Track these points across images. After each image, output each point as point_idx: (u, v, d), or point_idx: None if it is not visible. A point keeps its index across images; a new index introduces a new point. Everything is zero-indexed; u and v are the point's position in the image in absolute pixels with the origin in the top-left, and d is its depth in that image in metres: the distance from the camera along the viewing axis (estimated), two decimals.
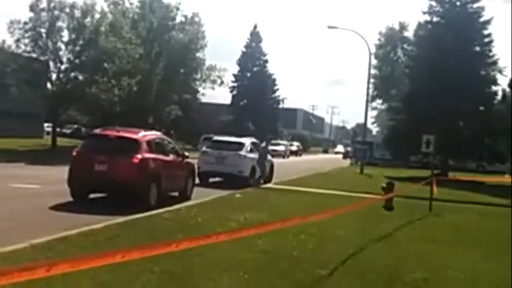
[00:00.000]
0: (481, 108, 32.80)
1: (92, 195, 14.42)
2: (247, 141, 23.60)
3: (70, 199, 13.93)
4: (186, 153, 16.99)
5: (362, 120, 39.39)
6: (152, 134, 15.54)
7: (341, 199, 18.45)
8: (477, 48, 34.62)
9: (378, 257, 8.74)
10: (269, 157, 25.60)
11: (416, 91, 33.16)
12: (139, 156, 13.74)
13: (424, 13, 34.90)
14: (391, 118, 36.84)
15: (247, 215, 12.36)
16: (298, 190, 20.52)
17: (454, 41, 33.10)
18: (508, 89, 41.40)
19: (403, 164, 45.68)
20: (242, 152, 22.30)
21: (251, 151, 23.02)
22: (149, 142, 14.46)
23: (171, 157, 15.69)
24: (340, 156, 76.41)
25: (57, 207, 12.95)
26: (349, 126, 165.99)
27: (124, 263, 4.57)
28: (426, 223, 13.43)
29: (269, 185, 22.48)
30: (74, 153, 14.18)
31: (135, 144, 13.97)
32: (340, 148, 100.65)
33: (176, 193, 16.07)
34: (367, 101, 41.01)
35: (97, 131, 15.61)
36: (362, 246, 9.61)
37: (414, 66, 36.34)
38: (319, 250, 9.13)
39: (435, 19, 34.77)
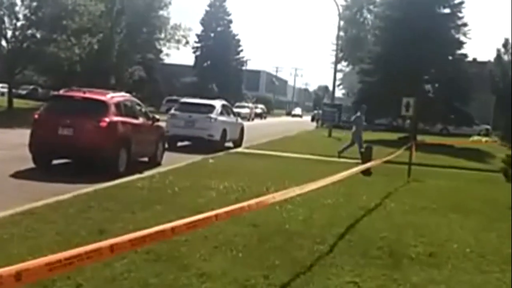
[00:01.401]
0: (450, 70, 32.45)
1: (55, 161, 13.44)
2: (218, 103, 22.68)
3: (32, 165, 12.93)
4: (157, 116, 16.04)
5: (324, 83, 38.83)
6: (121, 96, 14.52)
7: (318, 164, 17.94)
8: (447, 10, 34.18)
9: (375, 230, 8.13)
10: (239, 120, 24.83)
11: (387, 53, 32.63)
12: (107, 119, 12.78)
13: None
14: (361, 81, 36.30)
15: (227, 183, 11.62)
16: (271, 154, 19.86)
17: (423, 2, 32.56)
18: (503, 49, 41.48)
19: (369, 127, 45.55)
20: (213, 115, 21.41)
21: (221, 113, 22.15)
22: (118, 104, 13.49)
23: (140, 120, 14.75)
24: (299, 118, 76.26)
25: (18, 175, 11.96)
26: (312, 88, 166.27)
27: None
28: (411, 190, 12.92)
29: (240, 149, 21.75)
30: (36, 116, 13.08)
31: (103, 106, 12.99)
32: (297, 110, 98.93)
33: (145, 159, 15.19)
34: (336, 63, 40.54)
35: (61, 92, 14.49)
36: (355, 217, 8.99)
37: (384, 28, 35.72)
38: (311, 222, 8.47)
39: None
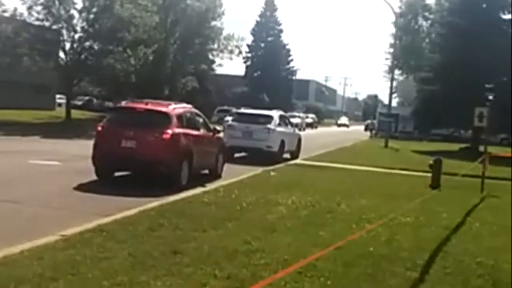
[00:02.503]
0: None
1: (117, 174, 13.21)
2: (276, 113, 22.20)
3: (94, 177, 12.72)
4: (218, 127, 15.67)
5: (374, 92, 37.72)
6: (182, 107, 14.19)
7: (382, 176, 17.23)
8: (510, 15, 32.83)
9: (468, 254, 7.42)
10: (296, 130, 24.30)
11: (447, 61, 31.51)
12: (170, 131, 12.45)
13: None
14: (420, 89, 35.18)
15: (294, 198, 11.08)
16: (331, 166, 19.25)
17: (487, 6, 31.39)
18: None
19: (425, 137, 44.34)
20: (271, 126, 20.93)
21: (279, 124, 21.66)
22: (180, 116, 13.16)
23: (202, 132, 14.40)
24: (345, 128, 74.20)
25: (82, 188, 11.74)
26: (361, 97, 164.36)
27: None
28: (490, 207, 12.05)
29: (298, 161, 21.18)
30: (99, 128, 12.87)
31: (165, 118, 12.68)
32: (344, 119, 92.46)
33: (206, 171, 14.82)
34: (392, 72, 39.51)
35: (124, 103, 14.32)
36: (441, 238, 8.30)
37: (444, 34, 34.56)
38: (396, 244, 7.81)
39: None
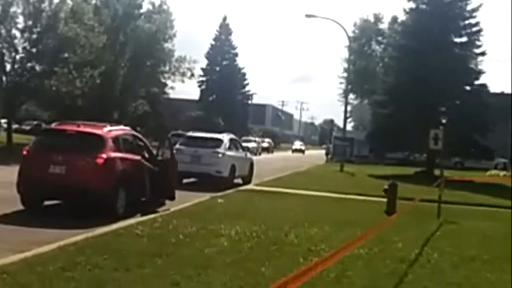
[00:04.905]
0: (469, 101, 31.03)
1: (47, 202, 11.97)
2: (225, 137, 21.23)
3: (21, 207, 11.46)
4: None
5: (330, 116, 37.34)
6: (120, 129, 13.09)
7: (336, 202, 16.42)
8: (465, 38, 32.94)
9: None
10: (248, 154, 23.39)
11: (401, 84, 31.32)
12: (104, 155, 11.33)
13: (409, 0, 33.16)
14: (374, 113, 34.91)
15: (239, 228, 10.08)
16: (284, 192, 18.33)
17: (440, 30, 31.45)
18: None
19: (380, 161, 44.11)
20: (220, 150, 19.96)
21: (229, 148, 20.70)
22: (116, 139, 12.05)
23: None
24: (300, 154, 72.70)
25: (2, 219, 10.48)
26: (317, 122, 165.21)
27: None
28: (448, 235, 11.29)
29: (250, 186, 20.21)
30: (25, 152, 11.65)
31: (99, 141, 11.57)
32: (298, 144, 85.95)
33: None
34: (346, 96, 39.27)
35: (53, 125, 13.07)
36: (398, 273, 7.43)
37: (397, 57, 34.48)
38: (348, 282, 6.89)
39: (421, 6, 32.98)
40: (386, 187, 15.12)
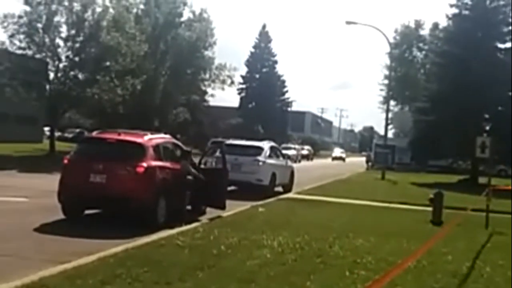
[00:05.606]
0: None
1: (88, 211, 11.95)
2: (266, 144, 21.00)
3: (62, 216, 11.44)
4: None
5: (370, 123, 36.69)
6: (160, 137, 12.99)
7: (380, 211, 16.01)
8: (508, 44, 32.08)
9: None
10: (288, 162, 23.09)
11: (444, 90, 30.60)
12: (145, 164, 11.21)
13: (452, 6, 32.48)
14: (416, 120, 34.21)
15: (281, 238, 9.82)
16: (326, 200, 18.01)
17: (483, 35, 30.68)
18: None
19: (422, 169, 43.25)
20: (261, 158, 19.73)
21: (270, 156, 20.46)
22: (156, 147, 11.93)
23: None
24: (341, 162, 71.37)
25: (43, 228, 10.47)
26: (357, 129, 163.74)
27: None
28: (500, 247, 10.75)
29: (291, 194, 19.90)
30: (65, 161, 11.62)
31: (139, 150, 11.46)
32: (337, 151, 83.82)
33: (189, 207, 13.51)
34: (387, 103, 38.65)
35: (94, 133, 13.05)
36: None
37: (440, 64, 33.74)
38: None
39: (463, 12, 32.26)
40: (431, 196, 14.67)
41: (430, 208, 14.47)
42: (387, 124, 37.27)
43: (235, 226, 11.11)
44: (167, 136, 13.85)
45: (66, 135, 56.72)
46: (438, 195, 14.58)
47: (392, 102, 61.94)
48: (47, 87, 34.56)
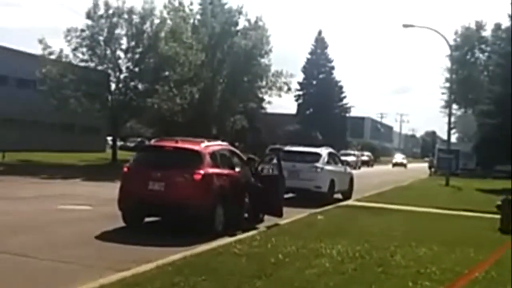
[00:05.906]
0: None
1: (147, 219, 12.06)
2: (324, 151, 20.73)
3: (123, 224, 11.58)
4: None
5: (431, 128, 35.61)
6: (217, 145, 13.00)
7: (444, 219, 15.46)
8: None
9: None
10: (347, 169, 22.72)
11: (510, 92, 29.41)
12: (202, 171, 11.21)
13: None
14: (481, 123, 33.06)
15: (340, 247, 9.58)
16: (387, 208, 17.55)
17: None
18: None
19: (488, 174, 41.70)
20: (319, 164, 19.48)
21: (328, 162, 20.17)
22: (213, 155, 11.93)
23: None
24: (402, 168, 69.63)
25: (104, 236, 10.60)
26: (419, 134, 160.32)
27: None
28: None
29: (350, 202, 19.55)
30: (125, 169, 11.78)
31: (196, 157, 11.48)
32: (399, 158, 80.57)
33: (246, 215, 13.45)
34: (450, 107, 37.56)
35: (152, 142, 13.21)
36: None
37: (505, 65, 32.49)
38: None
39: None
40: (498, 202, 14.07)
41: (497, 216, 13.86)
42: (450, 128, 36.20)
43: (293, 234, 10.95)
44: (224, 143, 13.88)
45: (128, 144, 58.06)
46: (506, 201, 13.94)
47: (454, 106, 60.32)
48: (109, 97, 35.56)
